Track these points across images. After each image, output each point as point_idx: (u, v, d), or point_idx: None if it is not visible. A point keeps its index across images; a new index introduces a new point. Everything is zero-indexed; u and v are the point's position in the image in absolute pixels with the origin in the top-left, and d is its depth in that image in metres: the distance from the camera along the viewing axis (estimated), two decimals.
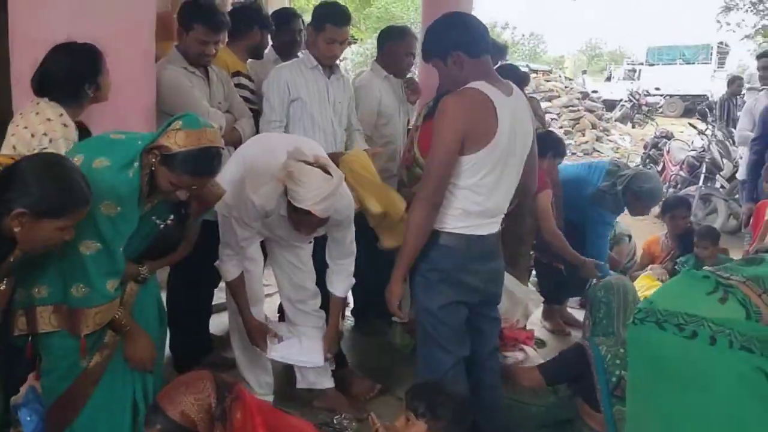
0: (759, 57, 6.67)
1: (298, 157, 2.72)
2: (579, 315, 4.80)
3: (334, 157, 3.14)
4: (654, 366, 1.88)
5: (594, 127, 16.19)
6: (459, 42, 2.51)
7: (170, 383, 1.88)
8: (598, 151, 14.92)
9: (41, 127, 2.51)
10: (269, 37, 4.09)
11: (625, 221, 5.79)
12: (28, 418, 2.30)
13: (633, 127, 17.93)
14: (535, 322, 4.61)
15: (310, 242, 3.23)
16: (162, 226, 2.39)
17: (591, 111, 16.71)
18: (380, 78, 4.11)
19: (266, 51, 4.13)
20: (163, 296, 2.93)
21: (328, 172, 2.69)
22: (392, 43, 4.15)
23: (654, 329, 1.80)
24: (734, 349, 1.72)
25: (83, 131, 2.78)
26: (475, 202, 2.53)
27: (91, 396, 2.31)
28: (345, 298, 3.29)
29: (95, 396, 2.32)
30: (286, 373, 3.46)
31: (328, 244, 3.15)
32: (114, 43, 2.84)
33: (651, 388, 1.89)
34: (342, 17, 3.55)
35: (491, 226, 2.64)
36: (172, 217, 2.41)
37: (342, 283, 3.21)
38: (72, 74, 2.61)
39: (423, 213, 2.50)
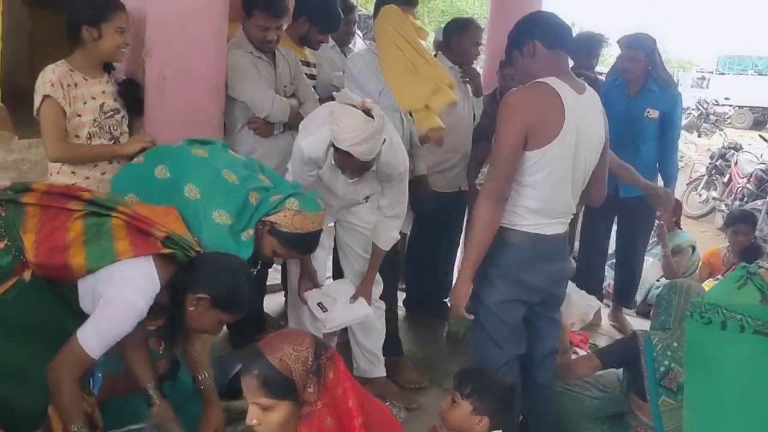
0: None
1: (344, 100, 2.73)
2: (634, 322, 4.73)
3: None
4: (687, 353, 2.10)
5: None
6: (536, 31, 2.49)
7: (271, 334, 1.95)
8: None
9: (36, 82, 2.68)
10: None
11: (690, 231, 5.67)
12: (99, 375, 2.44)
13: (699, 136, 17.43)
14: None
15: (366, 200, 3.16)
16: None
17: None
18: (446, 68, 4.08)
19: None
20: None
21: (370, 116, 2.67)
22: (458, 36, 4.16)
23: (688, 320, 2.00)
24: (746, 334, 1.84)
25: (127, 88, 2.88)
26: (538, 199, 2.48)
27: None
28: (384, 253, 3.24)
29: None
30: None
31: (380, 198, 3.15)
32: (188, 18, 2.89)
33: (686, 375, 2.12)
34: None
35: (557, 227, 2.58)
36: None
37: (386, 235, 3.19)
38: (73, 13, 2.71)
39: (489, 208, 2.45)
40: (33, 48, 7.39)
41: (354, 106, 2.69)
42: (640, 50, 4.28)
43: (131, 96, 2.91)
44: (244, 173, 2.45)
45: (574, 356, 3.70)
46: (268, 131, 3.33)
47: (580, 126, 2.44)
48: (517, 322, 2.61)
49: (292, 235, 2.41)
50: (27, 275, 2.07)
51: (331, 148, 2.79)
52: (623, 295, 4.78)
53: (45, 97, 2.62)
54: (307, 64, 3.85)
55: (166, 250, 2.11)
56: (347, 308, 3.17)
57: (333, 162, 2.85)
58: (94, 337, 2.03)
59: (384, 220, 3.20)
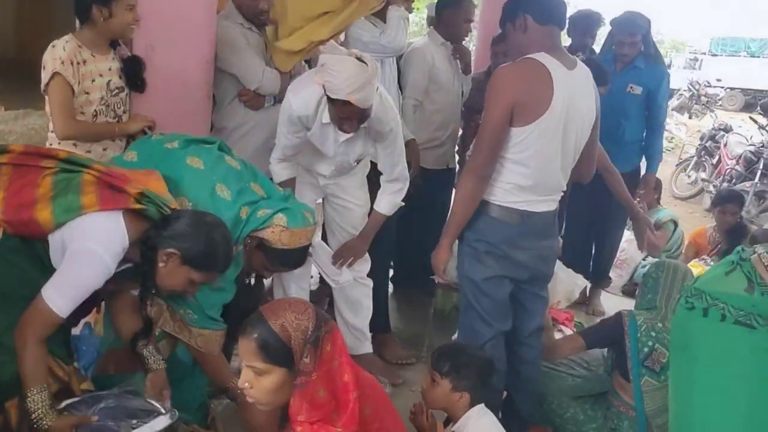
0: None
1: (333, 51, 2.73)
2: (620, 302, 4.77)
3: None
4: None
5: None
6: (528, 5, 2.47)
7: (275, 301, 2.00)
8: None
9: (45, 56, 2.66)
10: None
11: (678, 212, 5.71)
12: (84, 348, 2.46)
13: (690, 117, 17.44)
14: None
15: (357, 163, 3.15)
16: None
17: None
18: (436, 44, 4.09)
19: None
20: None
21: (362, 62, 2.67)
22: (450, 11, 4.13)
23: (678, 305, 1.98)
24: (727, 323, 1.81)
25: (132, 65, 2.85)
26: (527, 176, 2.48)
27: None
28: (383, 219, 3.25)
29: None
30: None
31: (379, 162, 3.18)
32: None
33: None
34: None
35: (547, 204, 2.59)
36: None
37: (387, 200, 3.20)
38: None
39: (471, 185, 2.48)
40: (20, 21, 7.33)
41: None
42: (638, 34, 4.27)
43: (135, 73, 2.87)
44: (237, 187, 2.40)
45: (559, 334, 3.73)
46: (258, 103, 3.31)
47: (569, 102, 2.43)
48: (503, 299, 2.62)
49: (281, 251, 2.39)
50: None
51: (321, 106, 2.80)
52: (597, 275, 4.77)
53: (54, 74, 2.61)
54: None
55: (137, 206, 2.05)
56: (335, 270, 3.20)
57: (324, 121, 2.86)
58: (58, 293, 1.96)
59: (384, 185, 3.20)
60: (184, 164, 2.38)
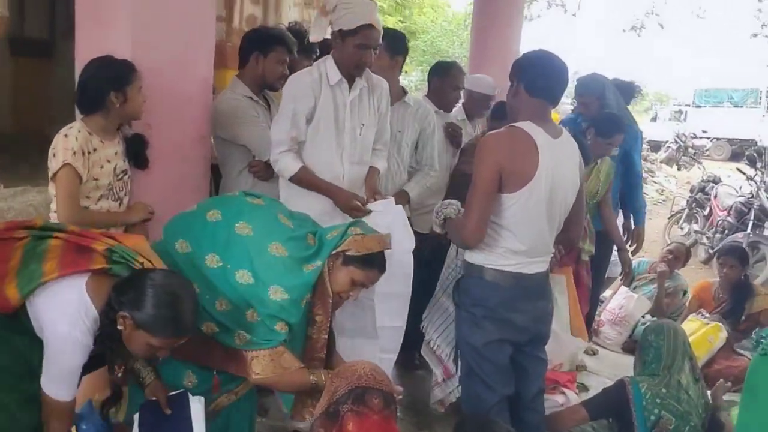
0: None
1: None
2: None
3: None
4: (746, 379, 2.15)
5: None
6: (523, 75, 2.56)
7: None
8: (643, 192, 14.70)
9: (55, 144, 2.65)
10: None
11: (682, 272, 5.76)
12: (84, 427, 2.36)
13: (679, 169, 17.62)
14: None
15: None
16: None
17: None
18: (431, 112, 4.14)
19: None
20: None
21: None
22: (437, 79, 4.29)
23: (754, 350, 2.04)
24: None
25: (137, 143, 2.88)
26: (518, 241, 2.55)
27: None
28: (377, 174, 3.34)
29: None
30: None
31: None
32: (174, 69, 2.95)
33: (740, 400, 2.17)
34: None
35: (539, 265, 2.64)
36: None
37: (381, 161, 3.34)
38: (98, 82, 2.70)
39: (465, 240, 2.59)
40: (16, 96, 7.43)
41: None
42: (591, 95, 4.51)
43: (139, 151, 2.90)
44: (298, 221, 2.48)
45: (561, 396, 3.71)
46: (268, 174, 3.32)
47: (554, 169, 2.51)
48: (505, 363, 2.64)
49: (367, 256, 2.39)
50: None
51: (324, 73, 3.01)
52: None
53: (65, 164, 2.61)
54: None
55: (98, 265, 2.02)
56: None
57: (332, 82, 3.02)
58: (53, 383, 2.01)
59: (377, 153, 3.32)
60: (244, 200, 2.48)
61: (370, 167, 3.28)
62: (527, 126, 2.50)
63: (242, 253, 2.30)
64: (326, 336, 2.47)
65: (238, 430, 2.54)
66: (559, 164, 2.53)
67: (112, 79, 2.69)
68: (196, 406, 2.25)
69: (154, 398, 2.28)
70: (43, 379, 2.01)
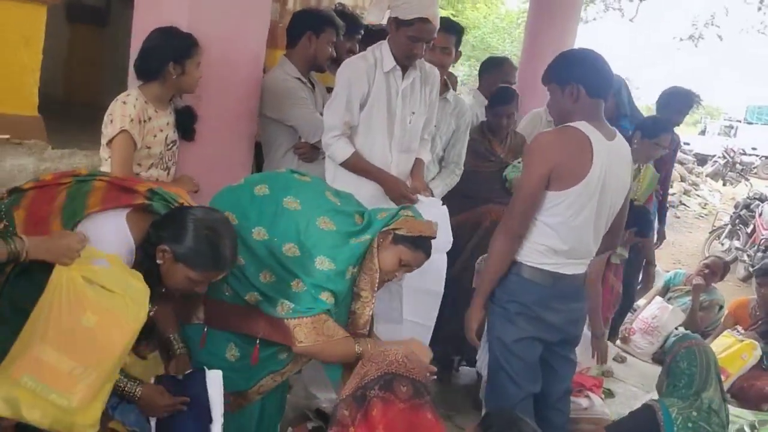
0: None
1: None
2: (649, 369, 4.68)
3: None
4: None
5: (683, 179, 15.72)
6: (585, 76, 2.50)
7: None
8: (685, 205, 14.47)
9: (112, 110, 2.68)
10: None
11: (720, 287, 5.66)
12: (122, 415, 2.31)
13: (724, 184, 17.32)
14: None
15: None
16: None
17: (681, 163, 16.23)
18: (479, 104, 4.18)
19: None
20: None
21: None
22: (489, 74, 4.37)
23: None
24: None
25: (186, 115, 2.92)
26: (561, 240, 2.51)
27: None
28: (424, 165, 3.36)
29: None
30: None
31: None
32: (227, 44, 2.98)
33: None
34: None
35: (577, 267, 2.61)
36: None
37: (426, 152, 3.35)
38: (159, 51, 2.73)
39: (505, 244, 2.52)
40: (70, 62, 7.58)
41: None
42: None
43: (188, 124, 2.94)
44: (345, 199, 2.49)
45: (586, 400, 3.68)
46: (314, 156, 3.36)
47: (607, 171, 2.47)
48: (534, 360, 2.62)
49: (418, 237, 2.39)
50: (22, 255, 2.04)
51: (378, 59, 3.03)
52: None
53: (122, 130, 2.65)
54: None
55: (139, 200, 2.05)
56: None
57: (386, 69, 3.03)
58: None
59: (422, 143, 3.32)
60: (291, 177, 2.51)
61: (417, 159, 3.28)
62: (583, 126, 2.46)
63: (290, 227, 2.31)
64: (370, 312, 2.46)
65: (272, 408, 2.55)
66: (612, 166, 2.49)
67: (173, 50, 2.72)
68: (215, 380, 2.22)
69: (171, 375, 2.27)
70: None
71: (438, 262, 2.89)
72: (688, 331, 3.30)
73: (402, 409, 1.92)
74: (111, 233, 2.03)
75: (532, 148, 2.52)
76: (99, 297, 1.89)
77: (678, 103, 4.77)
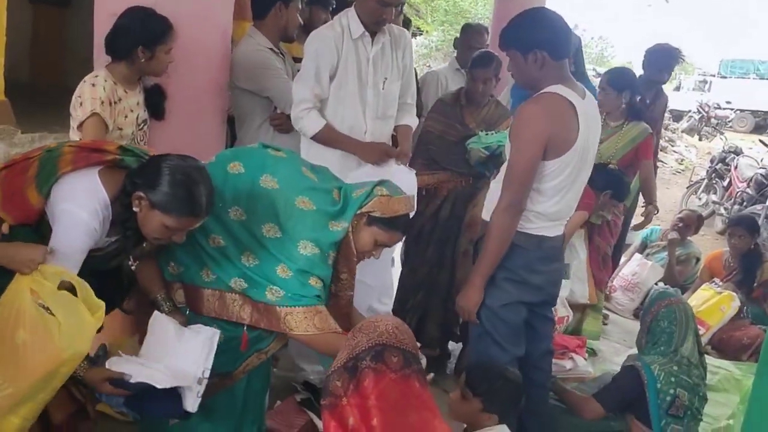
0: None
1: None
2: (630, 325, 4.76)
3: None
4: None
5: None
6: (546, 41, 2.43)
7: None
8: (662, 161, 14.57)
9: (81, 92, 2.64)
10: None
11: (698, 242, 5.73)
12: None
13: (700, 139, 17.45)
14: None
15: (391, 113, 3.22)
16: None
17: None
18: (452, 70, 4.20)
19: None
20: None
21: None
22: (460, 41, 4.50)
23: None
24: None
25: (155, 94, 2.88)
26: (549, 204, 2.51)
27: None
28: (411, 132, 3.34)
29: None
30: None
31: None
32: (193, 19, 2.90)
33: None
34: None
35: (558, 228, 2.63)
36: None
37: (411, 117, 3.33)
38: (130, 32, 2.68)
39: (507, 220, 2.47)
40: (35, 43, 7.43)
41: None
42: None
43: (157, 102, 2.89)
44: (321, 175, 2.46)
45: (570, 362, 3.74)
46: (290, 127, 3.28)
47: (587, 131, 2.47)
48: (519, 324, 2.63)
49: (393, 218, 2.36)
50: (5, 228, 2.07)
51: (349, 31, 2.99)
52: None
53: (93, 113, 2.61)
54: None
55: (110, 157, 2.06)
56: None
57: (355, 36, 2.99)
58: (56, 261, 1.99)
59: (405, 107, 3.30)
60: (266, 153, 2.43)
61: (403, 125, 3.25)
62: (561, 90, 2.42)
63: (268, 207, 2.28)
64: (352, 293, 2.46)
65: (258, 382, 2.54)
66: (590, 125, 2.49)
67: (145, 33, 2.67)
68: (208, 338, 2.16)
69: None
70: (48, 259, 1.99)
71: None
72: (666, 287, 3.33)
73: (393, 379, 1.93)
74: (83, 189, 2.03)
75: (522, 124, 2.45)
76: (36, 317, 1.88)
77: (662, 61, 4.73)
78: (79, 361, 1.93)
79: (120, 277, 2.29)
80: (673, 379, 2.68)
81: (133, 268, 2.21)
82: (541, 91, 2.45)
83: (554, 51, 2.44)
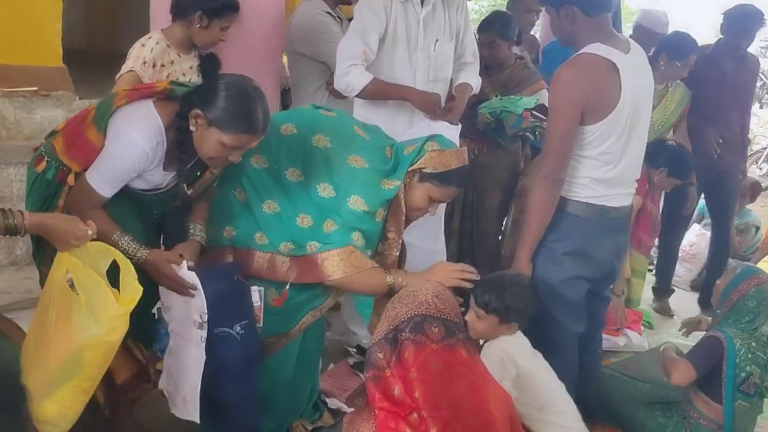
0: None
1: None
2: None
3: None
4: None
5: None
6: None
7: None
8: None
9: (131, 50, 2.69)
10: None
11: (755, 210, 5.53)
12: (162, 332, 2.35)
13: (761, 107, 16.83)
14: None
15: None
16: None
17: None
18: None
19: None
20: None
21: None
22: (512, 5, 4.27)
23: None
24: None
25: (211, 61, 2.88)
26: (603, 170, 2.40)
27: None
28: (471, 92, 3.20)
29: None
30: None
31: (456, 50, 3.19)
32: None
33: None
34: None
35: (623, 198, 2.51)
36: None
37: (474, 76, 3.21)
38: None
39: (547, 190, 2.39)
40: (89, 12, 7.51)
41: None
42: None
43: (212, 70, 2.89)
44: (373, 133, 2.45)
45: (623, 338, 3.67)
46: None
47: (635, 88, 2.35)
48: (579, 300, 2.52)
49: (445, 173, 2.34)
50: (71, 180, 2.12)
51: None
52: (664, 281, 4.68)
53: (131, 70, 2.65)
54: None
55: (161, 86, 2.12)
56: None
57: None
58: (98, 173, 2.07)
59: (465, 67, 3.22)
60: (317, 113, 2.46)
61: (463, 84, 3.16)
62: (600, 49, 2.31)
63: (322, 166, 2.28)
64: (397, 253, 2.44)
65: (313, 342, 2.56)
66: (637, 80, 2.37)
67: (207, 1, 2.68)
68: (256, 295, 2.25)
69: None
70: (90, 168, 2.08)
71: None
72: (749, 263, 3.21)
73: (435, 350, 1.92)
74: (138, 115, 2.06)
75: (556, 90, 2.37)
76: (63, 294, 1.86)
77: (743, 24, 4.24)
78: (98, 347, 1.87)
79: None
80: (750, 356, 2.61)
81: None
82: (577, 53, 2.36)
83: (586, 6, 2.34)
